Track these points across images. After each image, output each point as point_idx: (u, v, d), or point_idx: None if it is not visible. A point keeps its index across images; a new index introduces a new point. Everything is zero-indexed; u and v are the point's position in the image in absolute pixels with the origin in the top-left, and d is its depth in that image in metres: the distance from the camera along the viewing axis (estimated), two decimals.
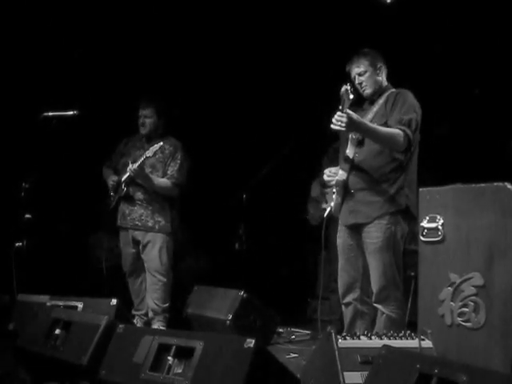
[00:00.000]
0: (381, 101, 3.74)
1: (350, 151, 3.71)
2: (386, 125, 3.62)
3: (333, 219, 3.96)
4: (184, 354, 2.67)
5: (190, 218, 5.18)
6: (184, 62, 6.32)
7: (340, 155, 3.79)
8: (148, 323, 4.80)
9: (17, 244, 4.68)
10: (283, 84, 6.03)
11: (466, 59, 5.36)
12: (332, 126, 3.47)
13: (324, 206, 4.10)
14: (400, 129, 3.54)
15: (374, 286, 3.62)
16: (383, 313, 3.61)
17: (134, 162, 4.62)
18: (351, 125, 3.44)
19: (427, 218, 3.07)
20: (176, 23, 6.08)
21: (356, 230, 3.71)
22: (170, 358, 2.69)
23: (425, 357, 2.48)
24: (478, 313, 2.86)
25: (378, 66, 3.77)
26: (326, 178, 3.79)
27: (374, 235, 3.61)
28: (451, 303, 2.95)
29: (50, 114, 4.64)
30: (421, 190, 3.15)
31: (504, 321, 2.78)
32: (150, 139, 4.81)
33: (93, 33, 5.88)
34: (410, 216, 3.65)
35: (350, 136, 3.71)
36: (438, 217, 3.03)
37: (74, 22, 5.74)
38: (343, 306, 3.83)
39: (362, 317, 3.74)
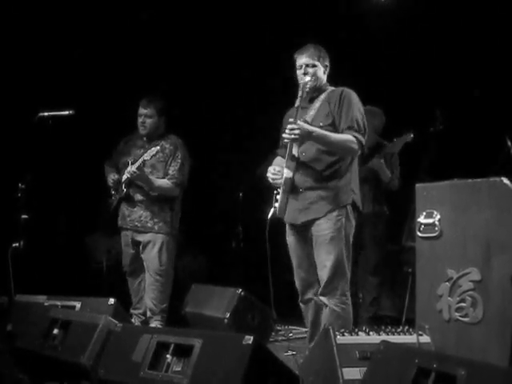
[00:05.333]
0: (322, 97, 3.73)
1: (295, 149, 3.66)
2: (333, 126, 3.63)
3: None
4: (183, 351, 2.67)
5: (186, 217, 5.17)
6: (184, 61, 6.32)
7: (287, 154, 3.67)
8: (146, 322, 4.79)
9: (14, 244, 4.66)
10: (282, 82, 6.02)
11: (465, 59, 5.38)
12: (285, 136, 3.52)
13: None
14: (352, 135, 3.58)
15: (322, 279, 3.61)
16: (327, 305, 3.62)
17: (133, 163, 4.60)
18: (304, 134, 3.50)
19: (424, 213, 3.07)
20: (175, 22, 6.08)
21: (304, 227, 3.70)
22: (168, 356, 2.70)
23: (423, 352, 2.50)
24: (475, 308, 2.86)
25: (326, 64, 3.76)
26: (271, 176, 3.70)
27: (324, 227, 3.59)
28: (449, 298, 2.96)
29: (46, 113, 4.62)
30: (417, 185, 3.15)
31: (501, 315, 2.79)
32: (151, 139, 4.79)
33: (89, 32, 5.87)
34: (356, 212, 3.69)
35: None
36: (435, 212, 3.03)
37: (69, 20, 5.74)
38: (302, 304, 3.81)
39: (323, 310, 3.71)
